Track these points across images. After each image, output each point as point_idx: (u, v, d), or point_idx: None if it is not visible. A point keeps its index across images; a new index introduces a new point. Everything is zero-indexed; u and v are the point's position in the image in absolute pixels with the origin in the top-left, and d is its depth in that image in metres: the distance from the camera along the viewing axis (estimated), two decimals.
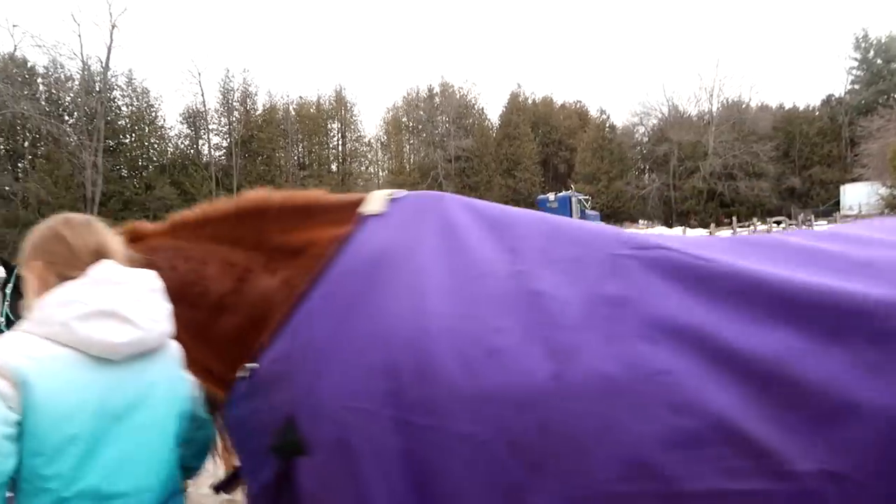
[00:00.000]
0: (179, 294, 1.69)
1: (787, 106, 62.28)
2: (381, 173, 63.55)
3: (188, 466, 1.81)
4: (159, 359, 1.61)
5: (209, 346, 1.80)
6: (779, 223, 40.02)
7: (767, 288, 1.22)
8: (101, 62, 47.54)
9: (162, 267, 1.70)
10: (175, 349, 1.68)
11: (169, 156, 53.16)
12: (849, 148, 52.89)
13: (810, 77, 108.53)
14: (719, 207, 53.59)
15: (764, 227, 37.08)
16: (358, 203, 1.69)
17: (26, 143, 48.00)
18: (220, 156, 56.14)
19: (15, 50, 44.57)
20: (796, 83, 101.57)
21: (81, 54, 47.05)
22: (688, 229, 32.48)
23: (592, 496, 1.15)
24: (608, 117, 64.25)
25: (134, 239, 1.87)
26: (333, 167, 60.51)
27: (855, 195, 43.07)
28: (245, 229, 1.77)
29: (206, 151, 55.95)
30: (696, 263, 1.30)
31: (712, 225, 33.70)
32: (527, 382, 1.20)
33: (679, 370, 1.17)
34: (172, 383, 1.65)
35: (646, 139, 63.10)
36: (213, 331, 1.78)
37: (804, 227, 33.52)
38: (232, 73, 57.09)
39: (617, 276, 1.33)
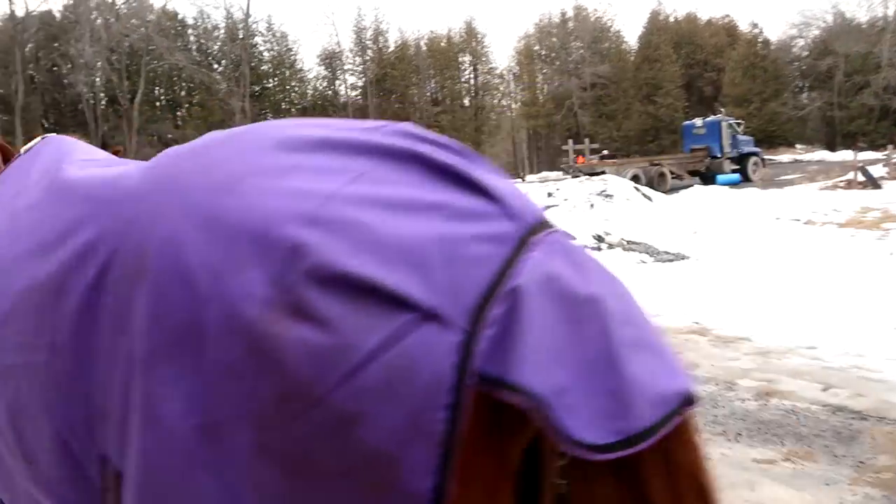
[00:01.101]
0: None
1: None
2: (513, 105, 62.34)
3: None
4: None
5: None
6: None
7: None
8: (243, 10, 49.57)
9: None
10: None
11: (309, 98, 55.05)
12: None
13: None
14: (894, 126, 47.88)
15: None
16: None
17: (183, 93, 51.53)
18: (356, 95, 57.37)
19: (166, 4, 47.38)
20: None
21: (225, 3, 49.16)
22: (857, 154, 28.95)
23: None
24: (760, 31, 58.77)
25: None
26: (466, 101, 60.06)
27: None
28: None
29: (343, 92, 57.40)
30: None
31: (890, 147, 29.94)
32: None
33: None
34: None
35: (805, 53, 57.11)
36: None
37: None
38: (364, 12, 57.50)
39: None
